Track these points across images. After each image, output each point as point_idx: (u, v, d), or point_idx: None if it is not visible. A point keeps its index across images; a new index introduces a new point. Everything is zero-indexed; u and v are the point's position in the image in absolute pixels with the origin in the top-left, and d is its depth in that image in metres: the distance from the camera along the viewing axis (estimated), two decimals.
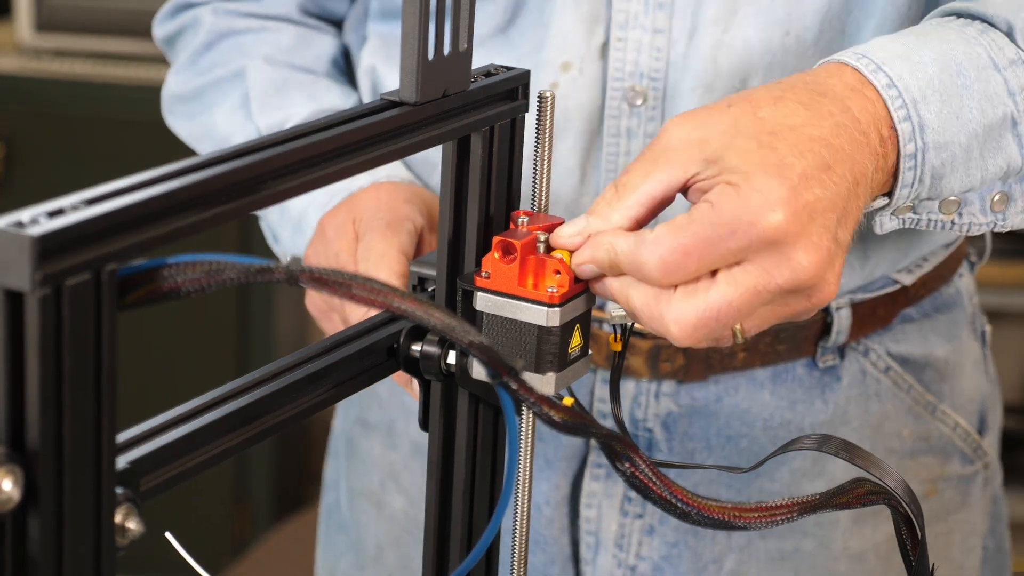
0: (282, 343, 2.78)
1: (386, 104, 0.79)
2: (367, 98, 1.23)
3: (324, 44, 1.28)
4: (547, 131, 0.86)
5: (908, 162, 0.91)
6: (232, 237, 2.64)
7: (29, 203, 0.61)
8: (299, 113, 1.21)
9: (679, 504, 0.81)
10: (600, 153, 1.12)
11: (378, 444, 1.31)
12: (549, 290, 0.83)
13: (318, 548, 1.40)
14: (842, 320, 1.18)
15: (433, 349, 0.84)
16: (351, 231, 1.08)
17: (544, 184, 0.87)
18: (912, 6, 1.10)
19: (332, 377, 0.80)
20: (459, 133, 0.84)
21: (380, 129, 0.78)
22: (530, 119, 0.88)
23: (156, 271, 0.65)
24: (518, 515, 0.87)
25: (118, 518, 0.65)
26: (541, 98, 0.86)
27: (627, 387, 1.18)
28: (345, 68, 1.29)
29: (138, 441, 0.69)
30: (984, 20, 0.98)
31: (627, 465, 0.80)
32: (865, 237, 1.16)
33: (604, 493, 1.20)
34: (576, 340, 0.85)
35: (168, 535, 0.81)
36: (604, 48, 1.12)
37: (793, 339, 1.18)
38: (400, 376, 0.87)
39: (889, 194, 0.93)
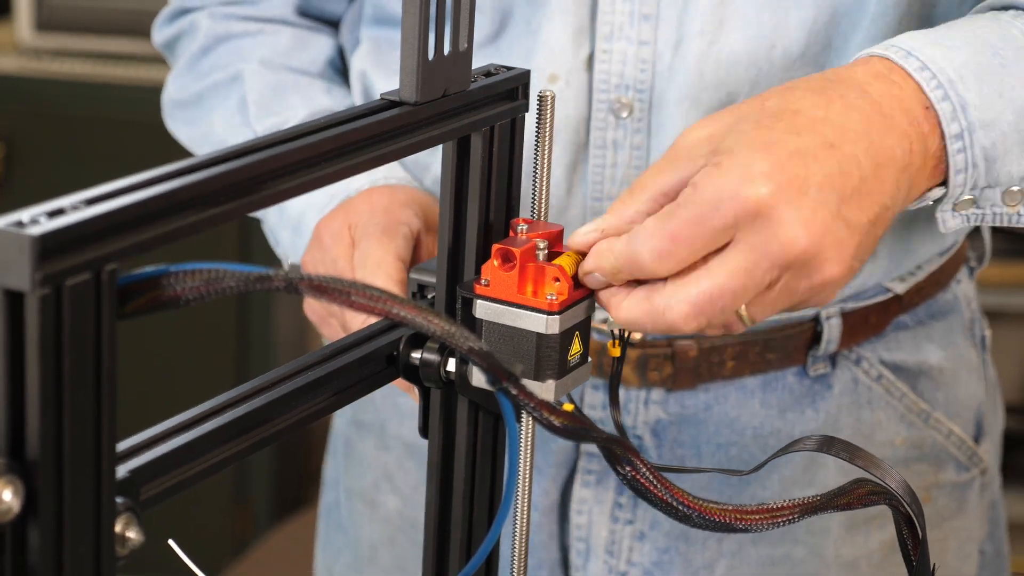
0: (282, 350, 2.78)
1: (386, 104, 0.79)
2: (359, 103, 1.23)
3: (321, 45, 1.28)
4: (547, 132, 0.86)
5: (956, 143, 0.89)
6: (232, 240, 2.64)
7: (29, 203, 0.61)
8: (297, 116, 1.21)
9: (680, 507, 0.81)
10: (587, 165, 1.12)
11: (371, 445, 1.31)
12: (548, 297, 0.83)
13: (317, 547, 1.40)
14: (832, 329, 1.17)
15: (433, 356, 0.84)
16: (347, 237, 1.07)
17: (544, 190, 0.87)
18: (902, 21, 1.09)
19: (332, 385, 0.80)
20: (459, 133, 0.84)
21: (380, 129, 0.78)
22: (530, 120, 0.88)
23: (156, 280, 0.65)
24: (518, 521, 0.86)
25: (118, 527, 0.65)
26: (541, 99, 0.86)
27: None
28: (342, 69, 1.30)
29: (138, 450, 0.69)
30: (1017, 8, 0.97)
31: (627, 469, 0.80)
32: None
33: (594, 500, 1.20)
34: (576, 347, 0.85)
35: (171, 542, 0.81)
36: (590, 60, 1.11)
37: (783, 348, 1.17)
38: (401, 382, 0.88)
39: (945, 183, 0.91)
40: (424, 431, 0.88)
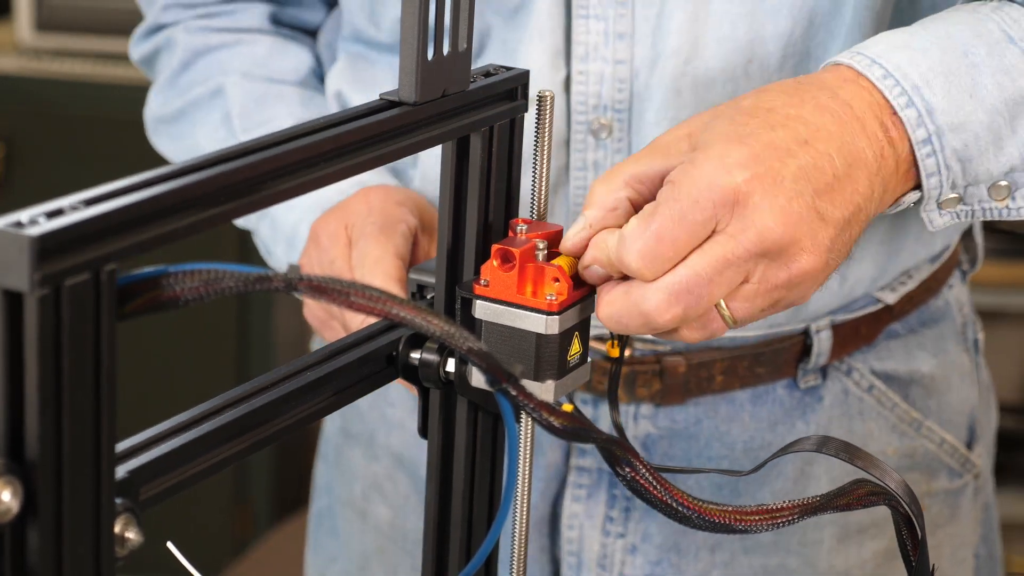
0: (282, 350, 2.78)
1: (385, 104, 0.79)
2: None
3: (301, 54, 1.27)
4: (546, 132, 0.86)
5: (924, 148, 0.90)
6: (232, 240, 2.64)
7: (29, 203, 0.61)
8: (282, 126, 1.20)
9: (680, 508, 0.81)
10: (568, 187, 1.12)
11: (360, 455, 1.30)
12: (548, 298, 0.83)
13: (308, 552, 1.39)
14: (822, 342, 1.16)
15: (432, 357, 0.84)
16: (344, 237, 1.07)
17: (543, 190, 0.87)
18: (880, 29, 1.08)
19: (331, 385, 0.80)
20: (458, 133, 0.84)
21: (379, 129, 0.78)
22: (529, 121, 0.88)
23: (155, 280, 0.65)
24: (517, 522, 0.86)
25: (117, 528, 0.65)
26: (540, 99, 0.86)
27: (605, 408, 1.17)
28: (323, 77, 1.29)
29: (138, 450, 0.69)
30: None
31: (627, 470, 0.80)
32: None
33: (585, 514, 1.19)
34: (575, 347, 0.85)
35: (170, 545, 0.81)
36: (567, 81, 1.10)
37: (773, 362, 1.16)
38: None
39: (919, 187, 0.92)
40: (423, 431, 0.88)
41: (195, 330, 2.73)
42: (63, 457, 0.61)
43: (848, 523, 1.20)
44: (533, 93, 1.10)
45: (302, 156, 0.73)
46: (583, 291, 0.85)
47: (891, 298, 1.19)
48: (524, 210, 0.89)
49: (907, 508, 0.85)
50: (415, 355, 0.84)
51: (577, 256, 0.86)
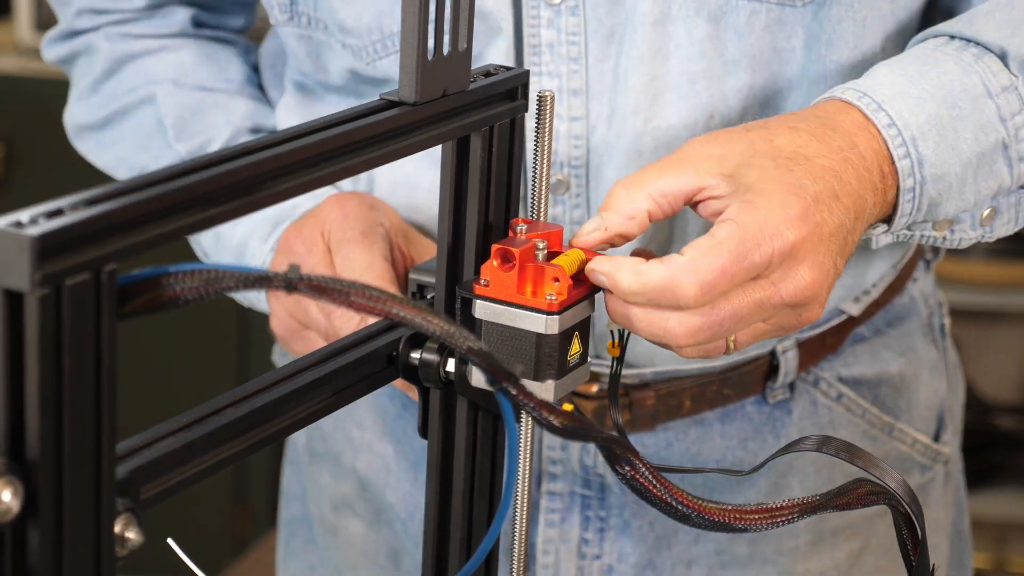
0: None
1: (385, 104, 0.79)
2: None
3: (231, 60, 1.26)
4: (546, 132, 0.86)
5: (907, 195, 0.95)
6: None
7: (29, 203, 0.61)
8: (221, 135, 1.20)
9: (679, 506, 0.81)
10: None
11: (327, 474, 1.29)
12: (548, 298, 0.83)
13: (279, 560, 1.37)
14: (789, 361, 1.17)
15: (432, 356, 0.84)
16: (321, 244, 1.06)
17: (543, 190, 0.87)
18: (841, 78, 1.08)
19: (331, 385, 0.80)
20: (458, 133, 0.84)
21: (379, 129, 0.78)
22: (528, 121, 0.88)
23: (155, 280, 0.65)
24: (518, 521, 0.87)
25: (117, 528, 0.65)
26: (540, 99, 0.86)
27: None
28: (258, 83, 1.28)
29: (138, 450, 0.69)
30: (979, 44, 0.99)
31: (627, 468, 0.80)
32: None
33: (560, 538, 1.18)
34: (575, 347, 0.85)
35: (170, 541, 0.81)
36: None
37: (740, 383, 1.16)
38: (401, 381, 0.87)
39: (888, 221, 0.96)
40: (423, 431, 0.88)
41: (195, 330, 2.72)
42: (63, 457, 0.61)
43: (823, 528, 1.20)
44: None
45: (302, 156, 0.73)
46: (583, 291, 0.85)
47: (856, 309, 1.19)
48: (524, 211, 0.89)
49: (907, 508, 0.85)
50: (415, 355, 0.84)
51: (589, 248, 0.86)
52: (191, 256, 1.22)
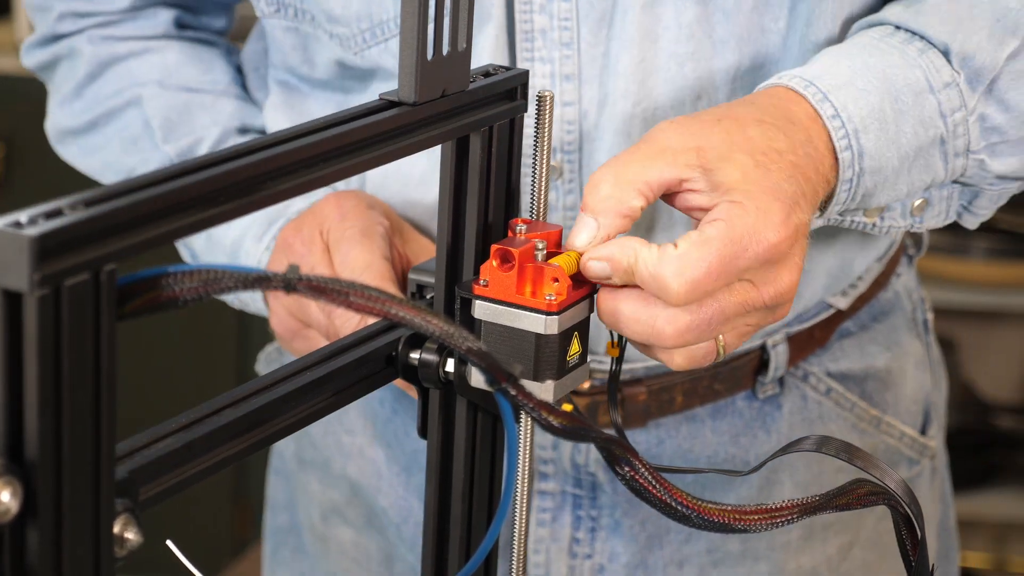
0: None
1: (385, 104, 0.79)
2: None
3: (216, 61, 1.25)
4: (546, 132, 0.86)
5: (844, 186, 0.96)
6: None
7: (29, 203, 0.61)
8: (210, 135, 1.19)
9: (679, 507, 0.81)
10: None
11: (315, 481, 1.28)
12: (547, 298, 0.83)
13: (265, 573, 1.36)
14: (779, 355, 1.17)
15: (431, 357, 0.84)
16: (320, 243, 1.06)
17: (542, 190, 0.87)
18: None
19: (331, 385, 0.80)
20: (458, 133, 0.84)
21: (379, 129, 0.78)
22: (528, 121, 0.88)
23: (155, 280, 0.65)
24: (517, 521, 0.87)
25: (117, 528, 0.65)
26: (540, 98, 0.86)
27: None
28: (243, 83, 1.27)
29: (138, 450, 0.69)
30: (924, 38, 1.00)
31: (626, 469, 0.80)
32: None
33: (551, 538, 1.18)
34: (575, 348, 0.85)
35: (169, 543, 0.81)
36: None
37: (731, 377, 1.17)
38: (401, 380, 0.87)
39: (822, 208, 0.97)
40: (423, 431, 0.88)
41: (195, 330, 2.72)
42: (63, 457, 0.61)
43: (813, 522, 1.20)
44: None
45: (302, 156, 0.73)
46: (583, 291, 0.85)
47: (843, 303, 1.20)
48: (523, 211, 0.89)
49: (907, 508, 0.85)
50: (414, 355, 0.84)
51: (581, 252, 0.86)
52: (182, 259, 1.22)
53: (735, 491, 1.18)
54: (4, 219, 0.59)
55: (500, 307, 0.83)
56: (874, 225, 1.03)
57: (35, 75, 1.32)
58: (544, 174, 0.87)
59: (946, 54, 1.00)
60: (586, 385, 1.14)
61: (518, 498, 0.86)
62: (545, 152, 0.86)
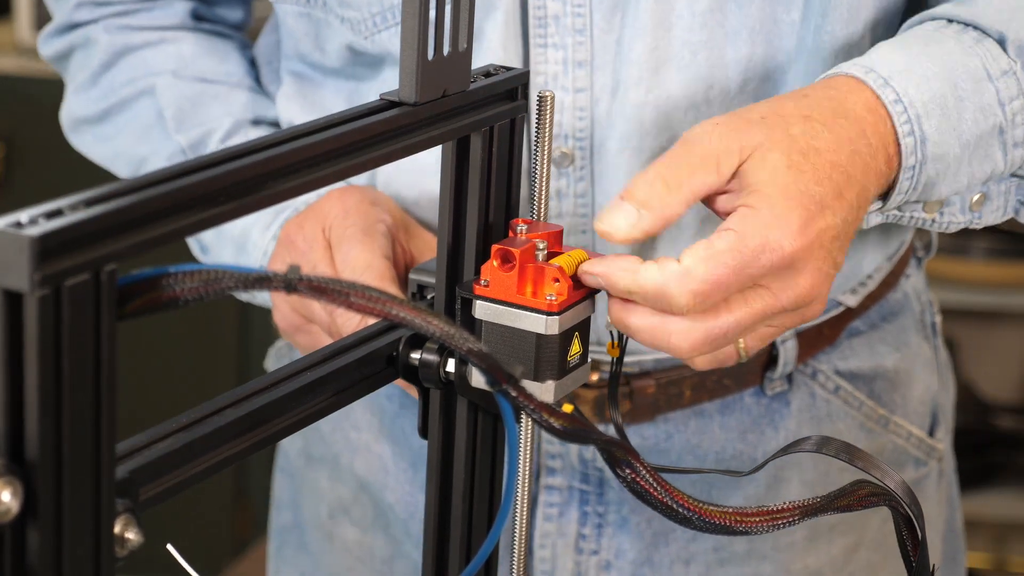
0: None
1: (385, 104, 0.79)
2: None
3: (231, 53, 1.26)
4: (546, 132, 0.86)
5: (907, 173, 0.95)
6: None
7: (29, 203, 0.61)
8: (222, 126, 1.19)
9: (680, 509, 0.81)
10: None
11: (324, 477, 1.28)
12: (548, 298, 0.82)
13: (270, 571, 1.36)
14: (788, 352, 1.17)
15: (432, 357, 0.84)
16: (322, 240, 1.06)
17: (543, 190, 0.87)
18: (839, 54, 1.08)
19: (331, 386, 0.80)
20: (459, 133, 0.83)
21: (380, 129, 0.78)
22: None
23: (155, 280, 0.65)
24: (518, 522, 0.86)
25: (117, 528, 0.65)
26: (541, 99, 0.86)
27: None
28: (257, 76, 1.27)
29: (138, 450, 0.69)
30: (978, 28, 0.99)
31: (627, 471, 0.80)
32: None
33: (557, 533, 1.18)
34: (575, 348, 0.85)
35: (169, 547, 0.81)
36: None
37: (740, 373, 1.17)
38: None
39: (884, 198, 0.96)
40: (423, 432, 0.88)
41: (195, 330, 2.73)
42: (63, 457, 0.61)
43: (819, 523, 1.20)
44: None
45: (302, 156, 0.73)
46: (583, 291, 0.85)
47: (853, 301, 1.20)
48: (524, 211, 0.89)
49: (907, 509, 0.85)
50: (415, 355, 0.84)
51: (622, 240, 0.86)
52: (191, 256, 1.22)
53: (742, 489, 1.18)
54: (4, 219, 0.59)
55: (501, 307, 0.83)
56: (933, 221, 1.02)
57: (49, 66, 1.32)
58: (545, 174, 0.86)
59: (1002, 43, 1.00)
60: (594, 377, 1.14)
61: (519, 499, 0.86)
62: (546, 152, 0.86)
